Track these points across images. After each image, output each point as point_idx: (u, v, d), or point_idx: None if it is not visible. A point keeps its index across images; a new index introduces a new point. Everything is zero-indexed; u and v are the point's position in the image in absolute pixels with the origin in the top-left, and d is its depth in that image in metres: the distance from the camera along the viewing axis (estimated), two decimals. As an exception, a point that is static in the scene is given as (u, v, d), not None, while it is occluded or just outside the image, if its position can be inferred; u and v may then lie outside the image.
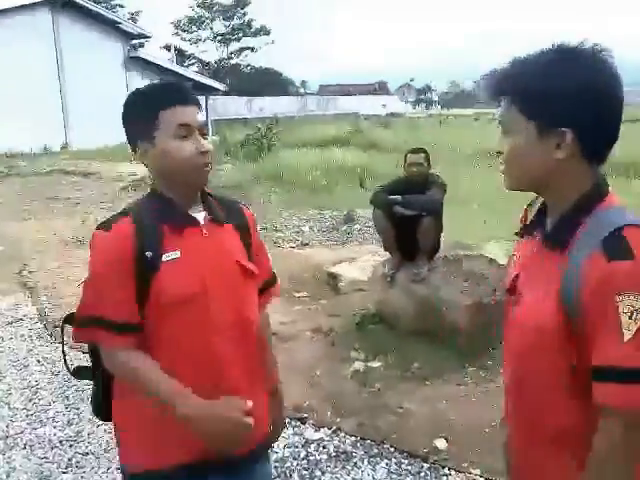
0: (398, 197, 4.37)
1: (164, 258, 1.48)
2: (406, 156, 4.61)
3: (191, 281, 1.50)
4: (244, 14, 56.26)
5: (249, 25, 56.80)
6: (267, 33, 57.24)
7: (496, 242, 6.09)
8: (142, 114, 1.52)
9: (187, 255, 1.50)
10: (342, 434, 3.40)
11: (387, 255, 4.85)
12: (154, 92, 1.57)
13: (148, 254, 1.46)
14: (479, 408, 3.53)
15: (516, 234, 1.42)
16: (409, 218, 4.34)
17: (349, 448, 3.26)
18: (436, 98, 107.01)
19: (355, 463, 3.13)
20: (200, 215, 1.57)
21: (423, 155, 4.55)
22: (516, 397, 1.33)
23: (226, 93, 31.91)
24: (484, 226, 7.46)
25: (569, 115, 1.15)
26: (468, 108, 67.73)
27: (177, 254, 1.49)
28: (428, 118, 42.90)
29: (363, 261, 6.18)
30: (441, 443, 3.24)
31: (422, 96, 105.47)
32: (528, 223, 1.37)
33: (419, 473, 3.02)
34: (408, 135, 20.77)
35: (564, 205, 1.23)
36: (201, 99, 1.63)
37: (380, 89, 76.91)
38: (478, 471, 3.00)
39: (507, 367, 1.36)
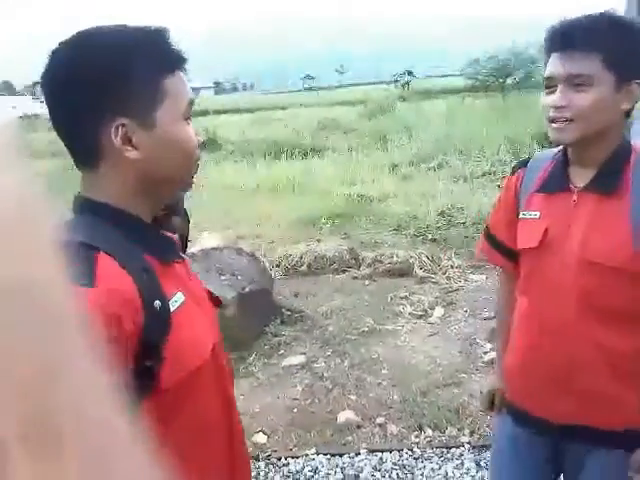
0: None
1: (171, 307, 0.98)
2: None
3: (208, 332, 1.09)
4: None
5: None
6: None
7: (209, 233, 6.14)
8: (133, 78, 0.94)
9: (188, 297, 1.05)
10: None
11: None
12: (147, 43, 0.98)
13: (157, 304, 0.94)
14: (278, 392, 3.67)
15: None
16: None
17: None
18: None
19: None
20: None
21: None
22: (579, 323, 1.44)
23: None
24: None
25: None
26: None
27: (181, 298, 1.01)
28: None
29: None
30: (260, 437, 3.26)
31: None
32: (549, 179, 1.51)
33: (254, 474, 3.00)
34: None
35: (602, 155, 1.40)
36: None
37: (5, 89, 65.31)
38: (308, 451, 3.14)
39: (550, 303, 1.48)
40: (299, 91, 53.76)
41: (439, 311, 4.60)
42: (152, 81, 0.96)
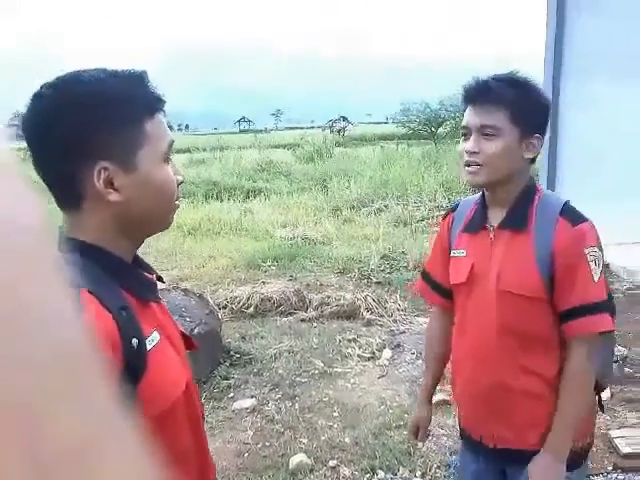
0: None
1: (148, 345, 0.99)
2: None
3: (182, 370, 1.10)
4: None
5: None
6: None
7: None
8: (115, 123, 0.97)
9: (163, 336, 1.06)
10: None
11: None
12: (128, 88, 1.00)
13: (134, 342, 0.96)
14: (228, 436, 3.61)
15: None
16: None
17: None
18: None
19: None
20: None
21: None
22: (500, 347, 1.62)
23: None
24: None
25: (543, 125, 1.60)
26: None
27: (157, 337, 1.03)
28: None
29: None
30: None
31: None
32: (471, 220, 1.72)
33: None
34: None
35: (511, 196, 1.61)
36: None
37: None
38: None
39: (477, 332, 1.67)
40: (234, 133, 54.03)
41: (387, 353, 4.67)
42: (133, 126, 0.99)
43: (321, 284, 6.42)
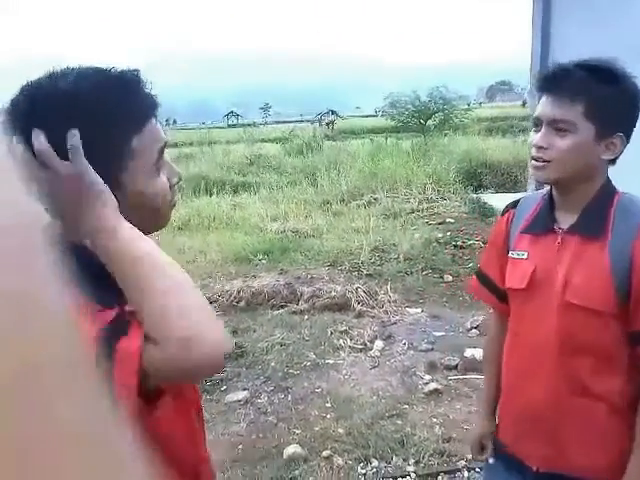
0: None
1: None
2: None
3: None
4: None
5: None
6: None
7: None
8: (98, 142, 0.89)
9: None
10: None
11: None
12: (117, 95, 0.92)
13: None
14: (222, 429, 3.63)
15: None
16: None
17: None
18: None
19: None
20: None
21: None
22: (560, 364, 1.47)
23: None
24: None
25: (624, 124, 1.41)
26: None
27: None
28: None
29: None
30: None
31: None
32: (536, 220, 1.55)
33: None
34: None
35: (584, 198, 1.45)
36: None
37: None
38: None
39: (534, 344, 1.52)
40: (222, 127, 53.84)
41: (379, 344, 4.69)
42: (117, 145, 0.93)
43: (312, 277, 6.43)
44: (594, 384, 1.45)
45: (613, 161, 1.44)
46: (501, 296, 1.69)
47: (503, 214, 1.70)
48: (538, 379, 1.51)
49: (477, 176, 12.57)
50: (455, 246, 7.41)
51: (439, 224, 8.82)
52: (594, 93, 1.35)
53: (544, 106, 1.42)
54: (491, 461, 1.78)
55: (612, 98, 1.36)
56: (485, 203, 9.71)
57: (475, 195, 10.88)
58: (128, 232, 0.90)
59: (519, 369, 1.59)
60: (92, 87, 0.91)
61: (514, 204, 1.68)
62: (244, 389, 4.10)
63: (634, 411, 1.43)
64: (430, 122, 22.28)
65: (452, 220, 8.96)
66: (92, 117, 0.89)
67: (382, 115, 26.17)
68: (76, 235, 0.92)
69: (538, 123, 1.44)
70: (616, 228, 1.41)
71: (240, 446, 3.46)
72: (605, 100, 1.36)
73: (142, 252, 0.90)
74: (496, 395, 1.79)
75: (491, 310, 1.86)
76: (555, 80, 1.41)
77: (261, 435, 3.56)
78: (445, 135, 19.75)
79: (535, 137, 1.43)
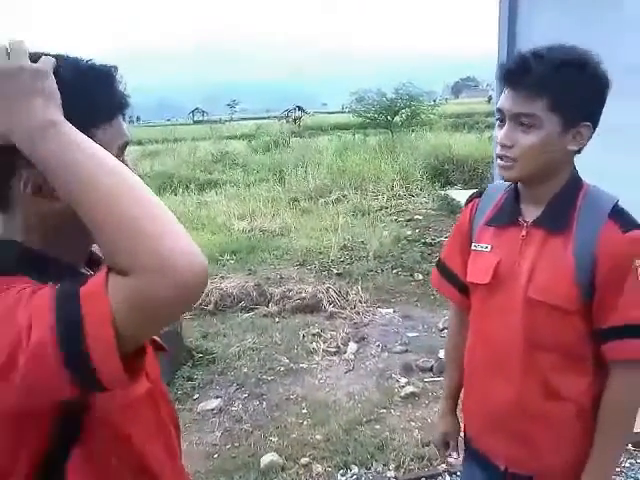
0: None
1: None
2: None
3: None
4: None
5: None
6: None
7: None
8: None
9: None
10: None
11: None
12: (84, 84, 0.87)
13: None
14: (196, 438, 3.54)
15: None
16: None
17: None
18: None
19: None
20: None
21: None
22: (525, 363, 1.43)
23: None
24: None
25: (590, 112, 1.35)
26: None
27: None
28: None
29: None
30: None
31: None
32: (500, 212, 1.51)
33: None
34: None
35: (551, 192, 1.41)
36: None
37: None
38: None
39: (498, 342, 1.48)
40: (188, 124, 53.16)
41: (352, 347, 4.64)
42: None
43: (281, 277, 6.35)
44: (560, 383, 1.42)
45: (579, 151, 1.39)
46: (462, 288, 1.65)
47: (467, 203, 1.66)
48: (504, 377, 1.48)
49: (444, 172, 12.60)
50: (424, 243, 7.42)
51: (408, 221, 8.82)
52: (558, 84, 1.29)
53: (507, 100, 1.36)
54: (459, 458, 1.77)
55: (577, 87, 1.31)
56: (453, 199, 9.75)
57: (443, 191, 10.92)
58: (75, 131, 0.79)
59: (483, 367, 1.55)
60: (62, 70, 0.85)
61: (479, 193, 1.64)
62: (217, 397, 3.99)
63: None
64: (397, 118, 22.31)
65: (420, 217, 8.98)
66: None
67: (349, 112, 26.07)
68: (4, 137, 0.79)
69: (502, 117, 1.39)
70: (581, 223, 1.37)
71: (215, 456, 3.36)
72: (570, 90, 1.30)
73: (96, 149, 0.78)
74: (458, 392, 1.78)
75: (450, 306, 1.82)
76: (517, 73, 1.33)
77: (236, 444, 3.47)
78: (412, 131, 19.81)
79: (499, 133, 1.38)
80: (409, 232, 8.02)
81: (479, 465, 1.63)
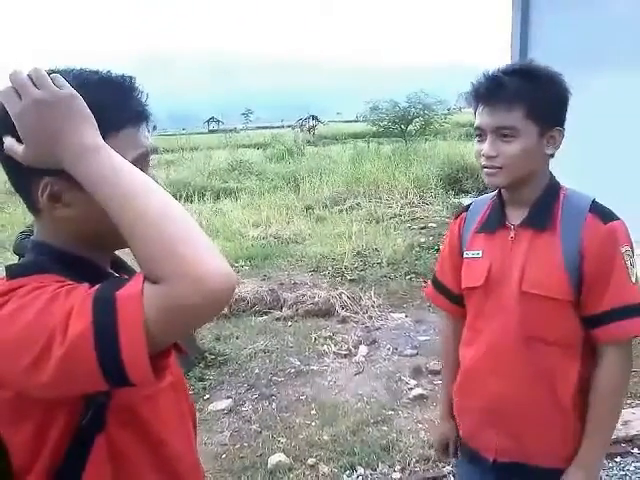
0: None
1: None
2: None
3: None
4: None
5: None
6: None
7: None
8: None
9: None
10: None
11: None
12: (95, 93, 0.89)
13: None
14: (205, 438, 3.57)
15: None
16: None
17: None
18: None
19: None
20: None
21: None
22: (520, 356, 1.50)
23: None
24: None
25: (560, 117, 1.48)
26: None
27: None
28: None
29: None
30: None
31: None
32: (488, 219, 1.62)
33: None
34: None
35: (533, 194, 1.51)
36: None
37: None
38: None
39: (492, 338, 1.55)
40: (203, 133, 53.55)
41: (363, 350, 4.67)
42: None
43: (295, 283, 6.40)
44: (556, 373, 1.49)
45: (552, 155, 1.51)
46: (457, 301, 1.75)
47: (455, 218, 1.77)
48: (501, 371, 1.55)
49: (458, 181, 12.61)
50: (437, 250, 7.41)
51: (421, 229, 8.84)
52: (531, 94, 1.41)
53: (485, 116, 1.47)
54: (456, 460, 1.83)
55: (547, 95, 1.44)
56: (467, 207, 9.73)
57: (457, 200, 10.93)
58: (116, 154, 0.84)
59: (480, 363, 1.61)
60: (75, 80, 0.88)
61: (466, 208, 1.75)
62: (228, 397, 4.05)
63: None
64: (411, 127, 22.37)
65: (434, 224, 8.99)
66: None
67: (363, 120, 26.16)
68: (52, 160, 0.84)
69: (481, 133, 1.50)
70: (564, 220, 1.48)
71: (224, 455, 3.41)
72: (542, 98, 1.43)
73: (134, 169, 0.84)
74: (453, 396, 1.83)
75: (445, 317, 1.91)
76: (492, 89, 1.45)
77: (245, 444, 3.51)
78: (426, 140, 19.84)
79: (483, 147, 1.48)
80: (423, 239, 8.04)
81: (470, 462, 1.71)
